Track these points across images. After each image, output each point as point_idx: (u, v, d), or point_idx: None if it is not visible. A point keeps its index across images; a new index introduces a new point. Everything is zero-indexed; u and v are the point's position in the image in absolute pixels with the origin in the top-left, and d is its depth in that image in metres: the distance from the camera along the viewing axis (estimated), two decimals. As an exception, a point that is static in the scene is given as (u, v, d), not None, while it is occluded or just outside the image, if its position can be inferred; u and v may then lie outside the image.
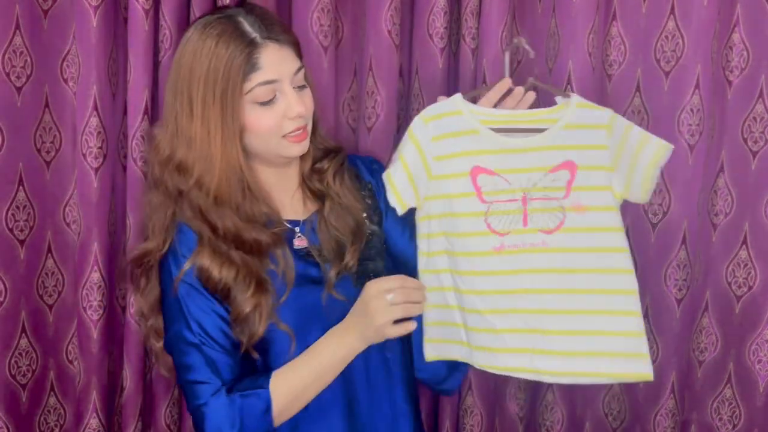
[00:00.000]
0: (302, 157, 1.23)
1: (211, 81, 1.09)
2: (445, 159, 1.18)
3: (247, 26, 1.11)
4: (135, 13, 1.36)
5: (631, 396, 1.50)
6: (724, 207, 1.43)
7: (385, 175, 1.21)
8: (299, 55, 1.17)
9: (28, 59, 1.38)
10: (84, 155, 1.40)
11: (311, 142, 1.21)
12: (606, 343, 1.13)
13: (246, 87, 1.10)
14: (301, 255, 1.20)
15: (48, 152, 1.43)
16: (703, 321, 1.47)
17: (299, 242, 1.22)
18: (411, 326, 1.13)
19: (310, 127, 1.18)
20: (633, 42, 1.41)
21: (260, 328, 1.14)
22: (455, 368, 1.30)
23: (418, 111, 1.45)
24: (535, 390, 1.54)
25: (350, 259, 1.20)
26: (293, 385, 1.14)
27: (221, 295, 1.15)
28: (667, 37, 1.38)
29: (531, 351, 1.15)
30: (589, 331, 1.14)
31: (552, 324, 1.14)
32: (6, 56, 1.35)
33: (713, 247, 1.45)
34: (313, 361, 1.14)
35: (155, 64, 1.41)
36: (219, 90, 1.09)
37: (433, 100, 1.45)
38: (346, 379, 1.18)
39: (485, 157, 1.16)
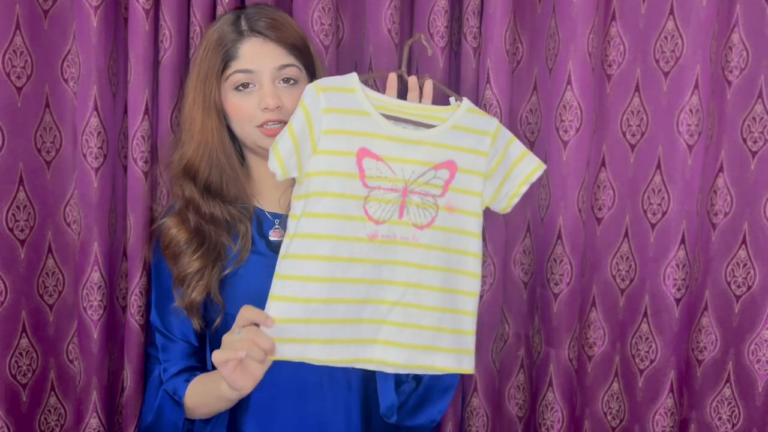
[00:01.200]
0: None
1: (201, 63, 1.21)
2: (332, 134, 1.13)
3: (243, 20, 1.20)
4: (135, 13, 1.36)
5: (631, 395, 1.51)
6: (723, 207, 1.44)
7: (270, 145, 1.14)
8: (299, 54, 1.21)
9: (29, 59, 1.38)
10: (84, 155, 1.40)
11: None
12: (445, 339, 1.17)
13: (226, 73, 1.19)
14: (274, 246, 1.25)
15: (48, 152, 1.43)
16: (702, 320, 1.48)
17: (275, 234, 1.27)
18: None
19: None
20: (632, 42, 1.41)
21: (196, 294, 1.20)
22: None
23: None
24: (535, 390, 1.55)
25: None
26: (193, 402, 1.21)
27: (173, 263, 1.24)
28: (666, 37, 1.38)
29: (375, 341, 1.15)
30: (434, 327, 1.16)
31: (403, 317, 1.15)
32: (6, 56, 1.35)
33: (712, 246, 1.45)
34: (203, 387, 1.20)
35: (155, 64, 1.41)
36: (203, 72, 1.20)
37: (434, 99, 1.46)
38: (299, 381, 1.23)
39: (374, 141, 1.14)
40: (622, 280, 1.49)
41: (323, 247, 1.12)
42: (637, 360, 1.49)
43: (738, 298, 1.45)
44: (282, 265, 1.13)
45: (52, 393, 1.49)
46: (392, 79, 1.20)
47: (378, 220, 1.14)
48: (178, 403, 1.22)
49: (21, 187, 1.40)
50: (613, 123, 1.45)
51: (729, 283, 1.45)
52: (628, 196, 1.46)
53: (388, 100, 1.17)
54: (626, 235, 1.48)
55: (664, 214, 1.42)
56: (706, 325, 1.48)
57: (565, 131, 1.39)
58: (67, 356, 1.50)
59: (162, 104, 1.41)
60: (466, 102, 1.19)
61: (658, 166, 1.42)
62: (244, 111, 1.19)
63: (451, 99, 1.22)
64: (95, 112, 1.39)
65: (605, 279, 1.51)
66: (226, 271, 1.23)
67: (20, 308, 1.42)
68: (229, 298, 1.24)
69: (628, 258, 1.48)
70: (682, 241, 1.41)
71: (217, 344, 1.14)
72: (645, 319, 1.47)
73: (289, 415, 1.24)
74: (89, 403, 1.47)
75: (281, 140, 1.13)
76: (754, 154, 1.41)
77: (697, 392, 1.50)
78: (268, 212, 1.29)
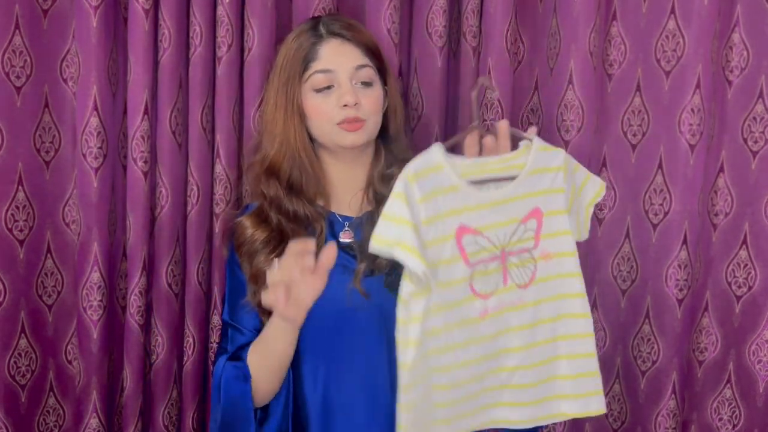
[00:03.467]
0: (373, 162, 1.30)
1: (282, 68, 1.24)
2: (432, 223, 1.05)
3: (321, 25, 1.25)
4: (135, 13, 1.36)
5: (632, 397, 1.50)
6: (724, 207, 1.43)
7: (393, 248, 1.03)
8: (373, 57, 1.25)
9: (28, 59, 1.38)
10: (84, 155, 1.40)
11: (390, 149, 1.30)
12: (567, 386, 1.15)
13: (306, 74, 1.22)
14: (343, 248, 1.26)
15: (48, 152, 1.43)
16: (703, 321, 1.47)
17: (345, 236, 1.28)
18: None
19: (371, 124, 1.24)
20: (633, 41, 1.41)
21: None
22: None
23: (417, 110, 1.46)
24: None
25: (383, 259, 1.20)
26: (256, 357, 1.21)
27: (248, 261, 1.25)
28: (667, 36, 1.38)
29: (498, 405, 1.14)
30: (553, 377, 1.15)
31: (524, 378, 1.14)
32: (6, 56, 1.35)
33: (713, 247, 1.45)
34: (260, 338, 1.22)
35: (155, 64, 1.41)
36: (285, 75, 1.24)
37: (433, 99, 1.46)
38: (367, 382, 1.23)
39: (468, 215, 1.07)
40: (624, 281, 1.49)
41: (439, 341, 1.07)
42: (639, 361, 1.49)
43: (739, 298, 1.44)
44: (404, 377, 1.05)
45: (51, 394, 1.49)
46: (471, 140, 1.15)
47: (485, 294, 1.10)
48: (242, 374, 1.21)
49: (20, 187, 1.40)
50: (614, 123, 1.45)
51: (730, 284, 1.45)
52: (630, 196, 1.46)
53: (471, 163, 1.09)
54: (627, 235, 1.47)
55: (665, 214, 1.42)
56: (706, 326, 1.47)
57: (567, 131, 1.39)
58: (66, 357, 1.50)
59: (162, 104, 1.41)
60: (536, 141, 1.11)
61: (660, 166, 1.41)
62: (324, 110, 1.22)
63: (522, 142, 1.13)
64: (95, 112, 1.38)
65: (606, 280, 1.50)
66: None
67: (19, 308, 1.42)
68: None
69: (629, 259, 1.48)
70: (684, 241, 1.41)
71: None
72: (647, 320, 1.46)
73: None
74: (89, 404, 1.46)
75: (403, 235, 1.02)
76: (754, 154, 1.41)
77: (697, 393, 1.50)
78: (338, 215, 1.30)
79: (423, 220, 1.04)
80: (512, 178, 1.10)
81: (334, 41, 1.23)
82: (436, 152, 1.06)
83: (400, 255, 1.02)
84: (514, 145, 1.13)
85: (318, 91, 1.22)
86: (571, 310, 1.14)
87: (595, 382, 1.16)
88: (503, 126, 1.13)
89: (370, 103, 1.23)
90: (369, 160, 1.30)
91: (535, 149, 1.10)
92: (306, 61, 1.22)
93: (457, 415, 1.11)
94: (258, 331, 1.26)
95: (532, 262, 1.12)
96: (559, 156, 1.12)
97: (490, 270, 1.09)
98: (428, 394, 1.08)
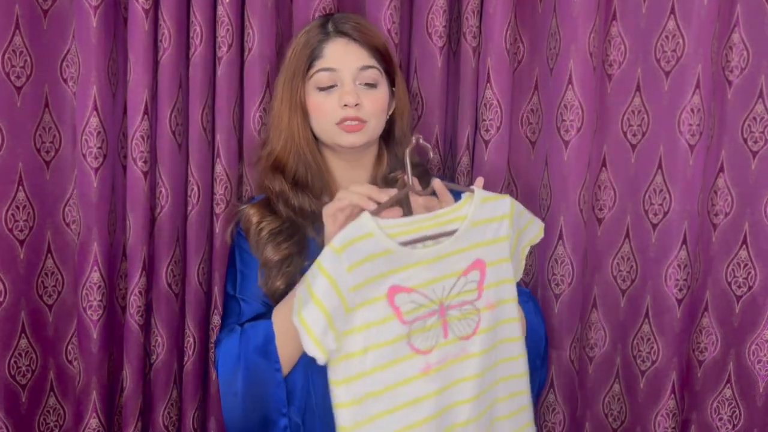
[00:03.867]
0: (375, 163, 1.31)
1: (289, 63, 1.25)
2: (361, 287, 1.02)
3: (330, 23, 1.24)
4: (135, 13, 1.36)
5: (632, 396, 1.50)
6: (724, 207, 1.43)
7: (296, 319, 1.00)
8: (380, 59, 1.24)
9: (28, 59, 1.38)
10: (84, 155, 1.39)
11: (395, 152, 1.30)
12: (506, 426, 1.15)
13: (310, 71, 1.22)
14: None
15: (48, 152, 1.43)
16: (703, 321, 1.47)
17: None
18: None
19: (372, 126, 1.24)
20: (633, 42, 1.41)
21: (280, 283, 1.21)
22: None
23: (416, 110, 1.46)
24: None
25: None
26: (282, 317, 1.15)
27: (256, 249, 1.25)
28: (667, 36, 1.38)
29: None
30: (494, 419, 1.14)
31: (479, 428, 1.11)
32: (6, 56, 1.35)
33: (713, 247, 1.45)
34: (290, 297, 1.18)
35: (155, 64, 1.41)
36: (291, 70, 1.24)
37: (433, 99, 1.46)
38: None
39: (401, 275, 1.04)
40: (623, 280, 1.49)
41: (384, 403, 1.04)
42: (638, 361, 1.49)
43: (739, 298, 1.44)
44: None
45: (52, 394, 1.49)
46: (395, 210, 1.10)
47: (426, 350, 1.06)
48: (264, 334, 1.16)
49: (20, 187, 1.40)
50: (614, 123, 1.45)
51: (729, 284, 1.45)
52: (629, 197, 1.46)
53: (403, 222, 1.05)
54: (627, 235, 1.47)
55: (665, 214, 1.42)
56: (706, 326, 1.47)
57: (566, 131, 1.39)
58: (67, 357, 1.50)
59: (161, 104, 1.41)
60: (478, 193, 1.09)
61: (660, 166, 1.41)
62: (325, 108, 1.22)
63: (464, 194, 1.11)
64: (95, 112, 1.38)
65: (606, 280, 1.50)
66: (307, 263, 1.23)
67: (19, 308, 1.42)
68: None
69: (629, 258, 1.48)
70: (684, 241, 1.41)
71: None
72: (646, 320, 1.46)
73: None
74: (89, 404, 1.46)
75: (310, 316, 0.99)
76: (754, 154, 1.41)
77: (697, 393, 1.50)
78: None
79: (350, 288, 1.00)
80: (452, 232, 1.07)
81: (341, 40, 1.22)
82: (363, 220, 1.02)
83: (301, 333, 0.99)
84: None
85: (321, 89, 1.22)
86: (510, 353, 1.14)
87: (529, 415, 1.18)
88: (437, 185, 1.11)
89: (373, 104, 1.22)
90: (371, 162, 1.30)
91: (477, 201, 1.08)
92: (311, 58, 1.22)
93: None
94: (265, 302, 1.24)
95: (475, 313, 1.09)
96: (504, 203, 1.11)
97: (428, 326, 1.06)
98: None
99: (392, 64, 1.28)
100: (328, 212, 1.10)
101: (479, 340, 1.10)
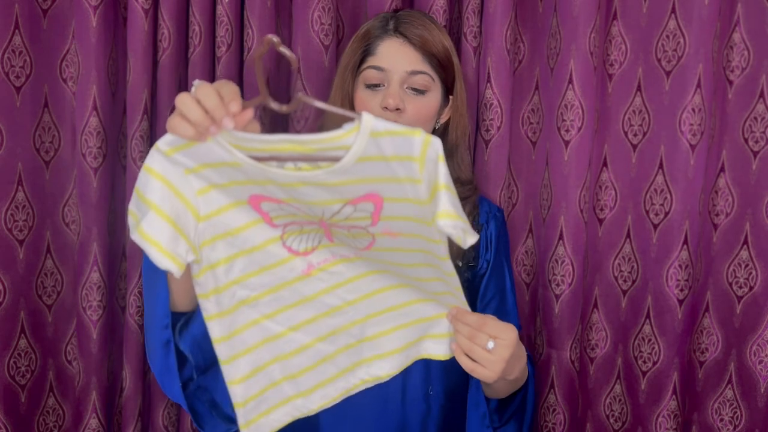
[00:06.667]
0: None
1: (345, 56, 1.23)
2: (212, 190, 0.90)
3: (392, 20, 1.20)
4: (134, 13, 1.36)
5: (633, 397, 1.50)
6: (725, 207, 1.43)
7: (135, 236, 0.88)
8: (437, 65, 1.19)
9: (28, 59, 1.38)
10: (84, 155, 1.39)
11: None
12: (442, 326, 1.07)
13: (361, 67, 1.20)
14: None
15: (47, 152, 1.43)
16: (704, 321, 1.47)
17: None
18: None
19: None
20: (634, 41, 1.41)
21: None
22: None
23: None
24: (536, 392, 1.54)
25: None
26: None
27: None
28: (668, 36, 1.37)
29: (363, 361, 1.06)
30: (420, 319, 1.06)
31: (376, 327, 1.05)
32: (5, 56, 1.35)
33: (714, 247, 1.45)
34: None
35: (154, 64, 1.41)
36: (344, 63, 1.22)
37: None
38: (379, 406, 1.19)
39: (262, 188, 0.91)
40: (624, 281, 1.49)
41: (261, 308, 0.98)
42: (639, 362, 1.48)
43: (740, 298, 1.44)
44: (221, 349, 0.97)
45: (51, 394, 1.49)
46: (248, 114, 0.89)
47: (305, 251, 0.98)
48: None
49: (20, 187, 1.40)
50: (614, 123, 1.45)
51: (731, 284, 1.45)
52: (630, 197, 1.46)
53: (259, 139, 0.88)
54: (628, 235, 1.47)
55: (666, 214, 1.41)
56: (707, 326, 1.47)
57: (567, 131, 1.39)
58: (66, 357, 1.49)
59: (161, 104, 1.41)
60: (367, 122, 0.90)
61: (661, 166, 1.41)
62: (367, 107, 1.18)
63: (347, 124, 0.92)
64: (94, 112, 1.39)
65: (607, 280, 1.50)
66: None
67: (19, 309, 1.42)
68: None
69: (630, 259, 1.47)
70: (685, 241, 1.40)
71: None
72: (647, 321, 1.46)
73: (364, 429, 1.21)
74: (88, 404, 1.46)
75: (150, 226, 0.87)
76: (755, 154, 1.40)
77: (698, 393, 1.49)
78: None
79: (197, 191, 0.90)
80: (335, 159, 0.91)
81: (396, 40, 1.18)
82: None
83: (147, 248, 0.87)
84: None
85: (368, 86, 1.18)
86: (421, 260, 1.02)
87: (446, 323, 1.07)
88: (301, 96, 0.90)
89: (417, 111, 1.17)
90: None
91: (365, 134, 0.90)
92: (365, 53, 1.19)
93: (317, 384, 1.03)
94: None
95: (368, 236, 0.98)
96: (412, 144, 0.93)
97: (307, 230, 0.97)
98: (270, 366, 0.99)
99: (452, 72, 1.23)
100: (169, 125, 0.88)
101: (374, 254, 1.00)
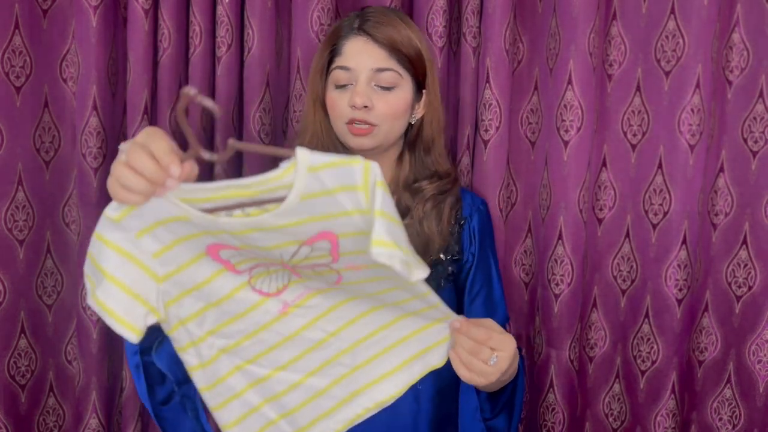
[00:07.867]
0: (396, 167, 1.25)
1: (315, 58, 1.23)
2: (167, 251, 0.88)
3: (356, 20, 1.19)
4: (134, 13, 1.36)
5: (632, 396, 1.50)
6: (724, 207, 1.43)
7: (91, 301, 0.86)
8: (405, 61, 1.17)
9: (28, 59, 1.38)
10: (84, 155, 1.39)
11: (421, 159, 1.24)
12: (414, 345, 1.04)
13: (330, 68, 1.20)
14: None
15: (47, 152, 1.43)
16: (703, 321, 1.47)
17: None
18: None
19: (384, 130, 1.18)
20: (633, 41, 1.41)
21: None
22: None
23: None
24: (536, 391, 1.54)
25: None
26: None
27: None
28: (667, 36, 1.38)
29: (360, 390, 1.03)
30: (404, 336, 1.03)
31: (368, 351, 1.02)
32: (5, 56, 1.35)
33: (713, 247, 1.45)
34: None
35: (154, 64, 1.41)
36: (314, 66, 1.23)
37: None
38: None
39: (215, 237, 0.88)
40: (624, 280, 1.49)
41: (242, 353, 0.97)
42: (638, 361, 1.48)
43: (739, 298, 1.44)
44: (208, 397, 0.96)
45: (51, 394, 1.49)
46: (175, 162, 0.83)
47: (278, 290, 0.96)
48: None
49: (20, 187, 1.40)
50: (614, 123, 1.45)
51: (730, 284, 1.45)
52: (630, 197, 1.46)
53: (202, 188, 0.84)
54: (627, 235, 1.47)
55: (665, 214, 1.42)
56: (706, 326, 1.47)
57: (566, 131, 1.39)
58: (66, 357, 1.49)
59: (161, 104, 1.41)
60: (303, 158, 0.83)
61: (660, 166, 1.41)
62: (337, 107, 1.18)
63: (283, 162, 0.85)
64: (94, 112, 1.39)
65: (606, 280, 1.50)
66: None
67: (19, 309, 1.42)
68: None
69: (629, 258, 1.48)
70: (684, 241, 1.41)
71: None
72: (646, 320, 1.46)
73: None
74: (88, 404, 1.46)
75: (106, 296, 0.85)
76: (754, 154, 1.41)
77: (697, 393, 1.50)
78: None
79: (152, 254, 0.88)
80: (281, 199, 0.86)
81: (360, 39, 1.17)
82: None
83: (106, 318, 0.86)
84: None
85: (337, 86, 1.18)
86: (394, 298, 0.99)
87: (438, 329, 1.03)
88: (235, 144, 0.84)
89: (385, 107, 1.16)
90: (390, 165, 1.25)
91: (302, 170, 0.84)
92: (332, 54, 1.19)
93: (316, 417, 1.02)
94: None
95: (334, 272, 0.94)
96: (352, 173, 0.86)
97: (272, 270, 0.94)
98: (263, 407, 0.99)
99: (422, 68, 1.21)
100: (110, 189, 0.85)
101: (348, 283, 0.95)
